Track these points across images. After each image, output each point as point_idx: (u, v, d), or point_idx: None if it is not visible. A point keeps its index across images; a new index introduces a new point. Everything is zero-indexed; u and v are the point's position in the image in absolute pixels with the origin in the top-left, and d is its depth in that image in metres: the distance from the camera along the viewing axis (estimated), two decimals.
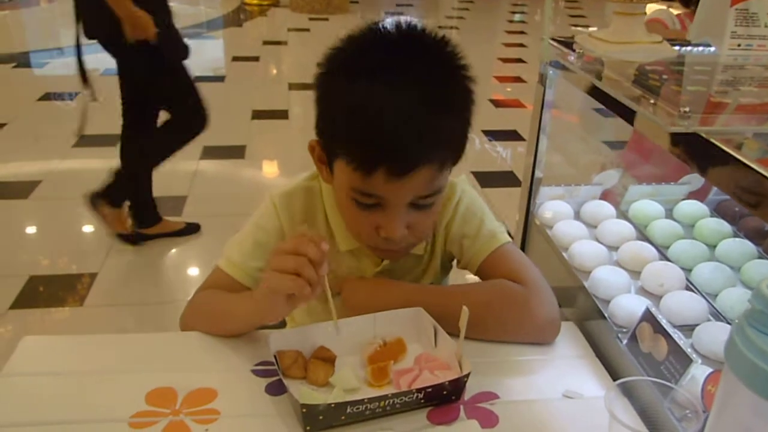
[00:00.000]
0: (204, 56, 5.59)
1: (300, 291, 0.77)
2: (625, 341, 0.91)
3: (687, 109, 0.69)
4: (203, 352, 0.90)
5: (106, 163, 3.34)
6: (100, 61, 5.42)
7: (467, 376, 0.81)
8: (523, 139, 3.85)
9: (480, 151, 3.72)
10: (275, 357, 0.82)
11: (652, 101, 0.76)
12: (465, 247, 1.01)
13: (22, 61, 5.17)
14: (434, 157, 0.79)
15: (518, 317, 0.92)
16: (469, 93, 0.83)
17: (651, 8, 2.22)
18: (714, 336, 0.89)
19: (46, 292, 2.35)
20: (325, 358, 0.85)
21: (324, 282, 0.80)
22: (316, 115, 0.86)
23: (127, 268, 2.50)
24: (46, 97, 4.36)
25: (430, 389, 0.79)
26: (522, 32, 6.89)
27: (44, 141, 3.68)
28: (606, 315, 0.98)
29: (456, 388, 0.81)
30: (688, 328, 0.95)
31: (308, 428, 0.75)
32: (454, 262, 1.08)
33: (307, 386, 0.82)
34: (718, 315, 1.00)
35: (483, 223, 1.00)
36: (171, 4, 2.47)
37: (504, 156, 3.70)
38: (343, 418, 0.76)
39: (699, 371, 0.79)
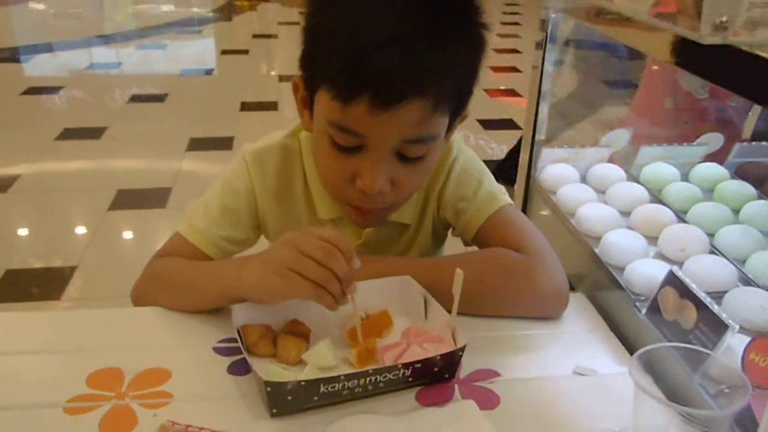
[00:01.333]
0: (193, 50, 5.51)
1: (322, 302, 0.68)
2: (644, 311, 0.79)
3: (724, 18, 0.58)
4: (158, 327, 0.79)
5: (87, 156, 3.26)
6: (86, 56, 5.35)
7: (462, 349, 0.69)
8: (519, 128, 3.75)
9: (473, 142, 3.61)
10: (239, 332, 0.71)
11: (680, 12, 0.65)
12: (460, 211, 0.89)
13: (7, 56, 5.06)
14: (427, 91, 0.67)
15: (520, 289, 0.81)
16: (478, 33, 0.71)
17: None
18: (747, 302, 0.77)
19: (23, 286, 2.24)
20: (298, 333, 0.74)
21: (351, 301, 0.70)
22: (301, 44, 0.74)
23: (107, 262, 2.39)
24: (30, 91, 4.24)
25: (418, 365, 0.67)
26: (516, 23, 6.78)
27: (26, 135, 3.56)
28: (621, 283, 0.86)
29: (449, 363, 0.70)
30: (715, 295, 0.83)
31: (275, 411, 0.64)
32: (450, 233, 0.97)
33: (277, 364, 0.71)
34: (747, 280, 0.88)
35: (481, 185, 0.89)
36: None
37: (500, 147, 3.58)
38: (316, 398, 0.65)
39: (737, 340, 0.67)
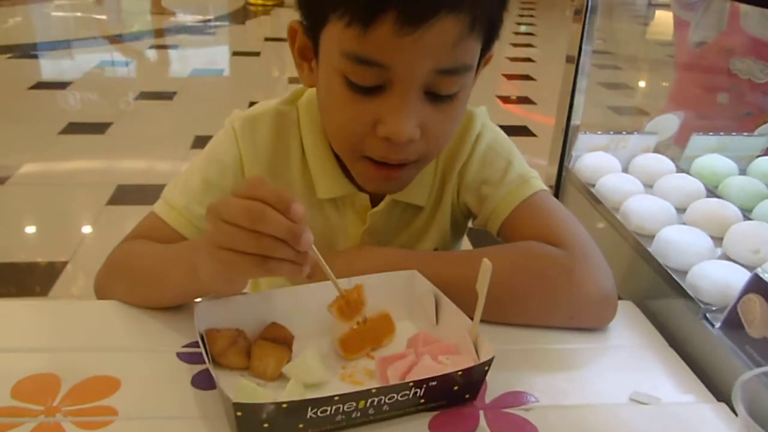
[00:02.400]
0: (205, 52, 5.45)
1: (276, 273, 0.51)
2: (718, 324, 0.64)
3: None
4: (114, 325, 0.64)
5: (89, 150, 3.15)
6: (97, 55, 5.30)
7: (489, 363, 0.54)
8: (534, 135, 3.60)
9: None
10: (202, 337, 0.56)
11: None
12: (485, 196, 0.74)
13: (17, 52, 5.00)
14: (463, 4, 0.54)
15: (558, 292, 0.66)
16: None
17: None
18: None
19: (9, 281, 2.12)
20: (278, 339, 0.59)
21: (312, 254, 0.52)
22: None
23: (100, 258, 2.26)
24: (38, 86, 4.17)
25: (434, 383, 0.52)
26: (529, 45, 6.64)
27: (29, 128, 3.48)
28: (684, 288, 0.70)
29: (471, 381, 0.55)
30: None
31: None
32: (470, 223, 0.82)
33: (251, 380, 0.56)
34: None
35: (510, 166, 0.74)
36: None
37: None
38: (301, 426, 0.50)
39: None
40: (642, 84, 5.08)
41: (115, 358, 0.59)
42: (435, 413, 0.54)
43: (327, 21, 0.57)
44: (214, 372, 0.51)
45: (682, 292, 0.70)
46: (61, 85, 4.22)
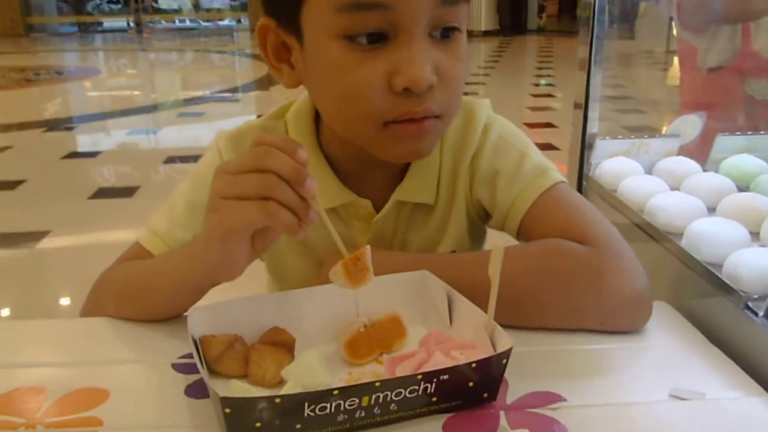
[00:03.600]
0: (230, 116, 5.63)
1: (276, 221, 0.49)
2: (761, 313, 0.58)
3: None
4: (106, 338, 0.61)
5: (117, 213, 3.21)
6: (128, 124, 5.52)
7: (507, 355, 0.48)
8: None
9: None
10: (195, 343, 0.52)
11: None
12: (499, 190, 0.69)
13: (52, 126, 5.22)
14: None
15: (586, 294, 0.60)
16: None
17: None
18: None
19: None
20: (278, 343, 0.54)
21: (315, 205, 0.51)
22: None
23: None
24: (70, 155, 4.32)
25: (445, 376, 0.47)
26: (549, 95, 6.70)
27: (60, 194, 3.58)
28: (722, 279, 0.64)
29: (488, 376, 0.49)
30: None
31: None
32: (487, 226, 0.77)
33: (247, 384, 0.51)
34: None
35: (526, 156, 0.69)
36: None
37: None
38: (298, 427, 0.45)
39: None
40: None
41: (106, 370, 0.55)
42: (449, 415, 0.49)
43: None
44: (206, 377, 0.47)
45: (720, 284, 0.64)
46: (92, 155, 4.37)
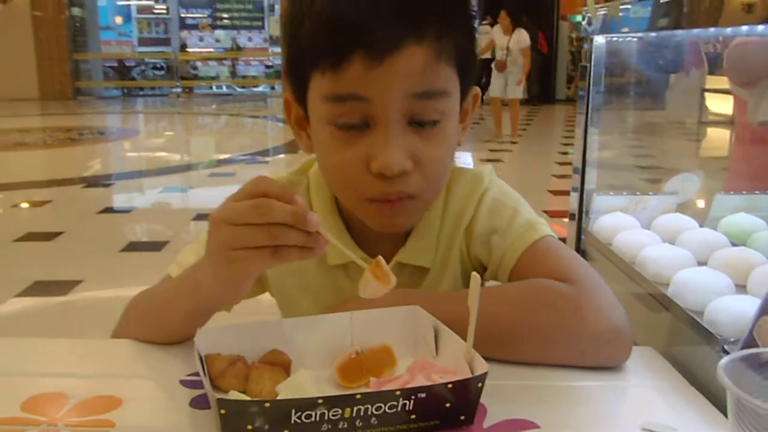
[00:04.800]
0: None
1: (288, 260, 0.55)
2: (741, 357, 0.61)
3: None
4: (124, 356, 0.67)
5: (146, 267, 3.32)
6: (162, 182, 5.72)
7: (482, 378, 0.53)
8: None
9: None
10: (201, 360, 0.58)
11: None
12: (494, 246, 0.75)
13: (91, 182, 5.46)
14: (425, 34, 0.60)
15: (566, 326, 0.65)
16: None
17: None
18: None
19: None
20: (275, 362, 0.60)
21: (324, 234, 0.55)
22: (284, 54, 0.68)
23: None
24: (106, 210, 4.50)
25: (422, 394, 0.52)
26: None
27: (94, 247, 3.71)
28: (702, 324, 0.68)
29: (464, 398, 0.54)
30: None
31: None
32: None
33: (244, 396, 0.57)
34: None
35: (517, 213, 0.76)
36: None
37: None
38: None
39: None
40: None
41: (121, 382, 0.61)
42: None
43: (309, 80, 0.64)
44: (208, 386, 0.53)
45: (700, 330, 0.68)
46: (127, 210, 4.55)
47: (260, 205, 0.53)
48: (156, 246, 3.62)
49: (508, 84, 7.28)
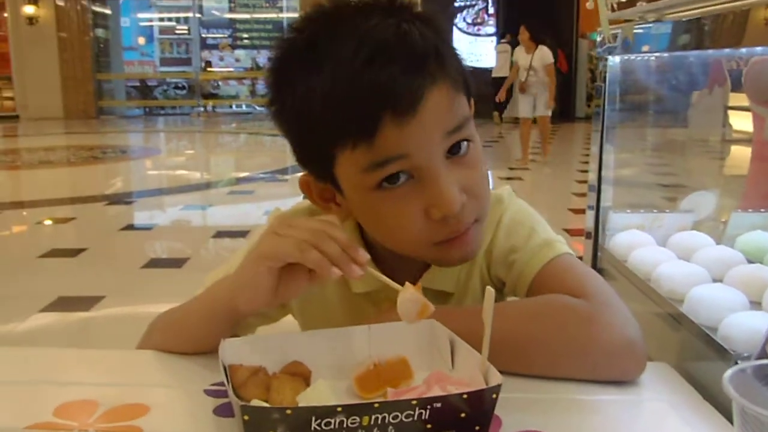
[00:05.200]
0: (278, 195, 5.85)
1: (307, 260, 0.59)
2: (748, 369, 0.62)
3: None
4: (152, 366, 0.70)
5: (166, 283, 3.37)
6: (182, 200, 5.79)
7: (497, 390, 0.55)
8: None
9: None
10: (225, 369, 0.60)
11: None
12: (512, 263, 0.77)
13: (113, 200, 5.56)
14: (434, 72, 0.62)
15: (579, 339, 0.66)
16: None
17: None
18: None
19: None
20: (297, 373, 0.62)
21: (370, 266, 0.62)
22: (291, 143, 0.71)
23: None
24: (127, 227, 4.57)
25: (438, 404, 0.53)
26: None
27: (115, 263, 3.77)
28: (716, 340, 0.69)
29: (479, 408, 0.55)
30: None
31: None
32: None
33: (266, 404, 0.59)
34: None
35: (534, 232, 0.77)
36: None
37: None
38: None
39: None
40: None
41: (148, 391, 0.63)
42: None
43: (335, 157, 0.65)
44: (231, 393, 0.55)
45: (714, 345, 0.69)
46: (148, 228, 4.63)
47: (326, 229, 0.60)
48: (176, 263, 3.67)
49: (537, 104, 6.89)
